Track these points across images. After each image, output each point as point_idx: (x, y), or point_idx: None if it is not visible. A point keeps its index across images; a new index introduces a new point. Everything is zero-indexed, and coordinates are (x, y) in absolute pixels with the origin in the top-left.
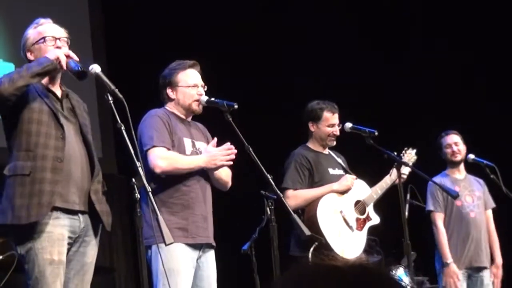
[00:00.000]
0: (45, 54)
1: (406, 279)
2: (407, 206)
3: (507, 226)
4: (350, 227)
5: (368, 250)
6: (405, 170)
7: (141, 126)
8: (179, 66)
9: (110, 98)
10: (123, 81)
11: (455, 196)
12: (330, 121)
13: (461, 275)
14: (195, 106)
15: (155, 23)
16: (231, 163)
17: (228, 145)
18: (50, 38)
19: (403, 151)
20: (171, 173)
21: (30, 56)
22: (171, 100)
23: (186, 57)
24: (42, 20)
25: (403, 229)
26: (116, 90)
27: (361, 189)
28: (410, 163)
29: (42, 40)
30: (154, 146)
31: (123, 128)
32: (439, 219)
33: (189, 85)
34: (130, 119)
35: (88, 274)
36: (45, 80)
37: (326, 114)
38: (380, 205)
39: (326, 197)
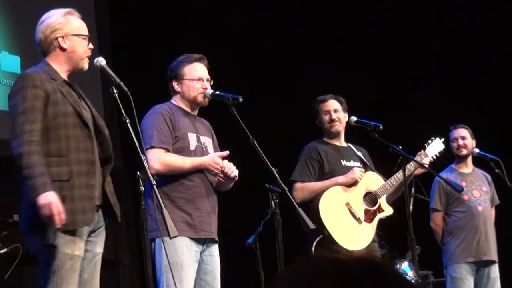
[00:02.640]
0: (77, 49)
1: (410, 273)
2: (411, 200)
3: (511, 219)
4: (358, 219)
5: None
6: (426, 160)
7: (144, 122)
8: (185, 59)
9: (115, 91)
10: (128, 74)
11: (459, 190)
12: (324, 109)
13: (469, 270)
14: (200, 99)
15: (161, 15)
16: (223, 181)
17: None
18: (87, 38)
19: (430, 141)
20: (165, 173)
21: (63, 42)
22: (176, 93)
23: (192, 51)
24: (71, 10)
25: (408, 223)
26: (121, 83)
27: (373, 181)
28: (438, 153)
29: (83, 37)
30: (152, 147)
31: (128, 121)
32: (437, 217)
33: (194, 78)
34: (135, 112)
35: (99, 263)
36: (64, 72)
37: (320, 105)
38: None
39: (330, 190)
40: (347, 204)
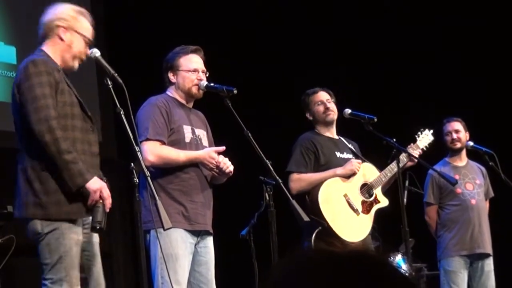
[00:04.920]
0: (75, 45)
1: (404, 266)
2: (405, 192)
3: (505, 213)
4: (355, 211)
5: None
6: (416, 152)
7: (139, 114)
8: (181, 51)
9: (109, 82)
10: (123, 66)
11: (453, 183)
12: (316, 100)
13: (462, 263)
14: (195, 91)
15: (157, 6)
16: (216, 175)
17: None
18: (88, 41)
19: (419, 132)
20: (160, 166)
21: (63, 33)
22: (172, 84)
23: (188, 43)
24: (84, 11)
25: (402, 216)
26: (116, 75)
27: (368, 172)
28: (427, 144)
29: (85, 38)
30: (147, 139)
31: (122, 112)
32: (431, 211)
33: (190, 69)
34: (129, 104)
35: (97, 245)
36: (59, 63)
37: (311, 98)
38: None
39: (329, 181)
40: (345, 195)
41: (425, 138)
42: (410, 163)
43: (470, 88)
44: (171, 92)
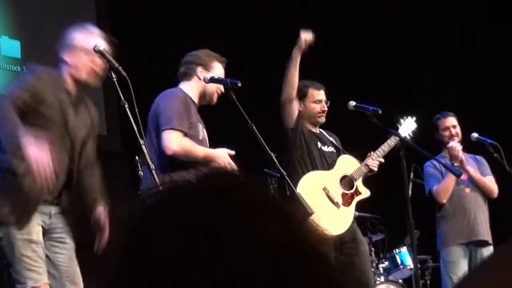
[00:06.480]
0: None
1: (408, 258)
2: (410, 184)
3: (510, 205)
4: (336, 204)
5: (370, 228)
6: (374, 162)
7: (161, 105)
8: (217, 57)
9: (114, 75)
10: (128, 59)
11: (458, 175)
12: (316, 97)
13: (461, 252)
14: (215, 99)
15: (161, 3)
16: None
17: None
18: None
19: (402, 120)
20: (180, 157)
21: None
22: (193, 77)
23: (189, 39)
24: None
25: (407, 208)
26: (120, 68)
27: (348, 164)
28: (410, 132)
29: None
30: (172, 129)
31: (126, 105)
32: (441, 189)
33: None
34: (133, 97)
35: None
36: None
37: (311, 91)
38: (384, 184)
39: (308, 175)
40: (324, 189)
41: (407, 125)
42: (370, 173)
43: (472, 83)
44: (186, 89)
